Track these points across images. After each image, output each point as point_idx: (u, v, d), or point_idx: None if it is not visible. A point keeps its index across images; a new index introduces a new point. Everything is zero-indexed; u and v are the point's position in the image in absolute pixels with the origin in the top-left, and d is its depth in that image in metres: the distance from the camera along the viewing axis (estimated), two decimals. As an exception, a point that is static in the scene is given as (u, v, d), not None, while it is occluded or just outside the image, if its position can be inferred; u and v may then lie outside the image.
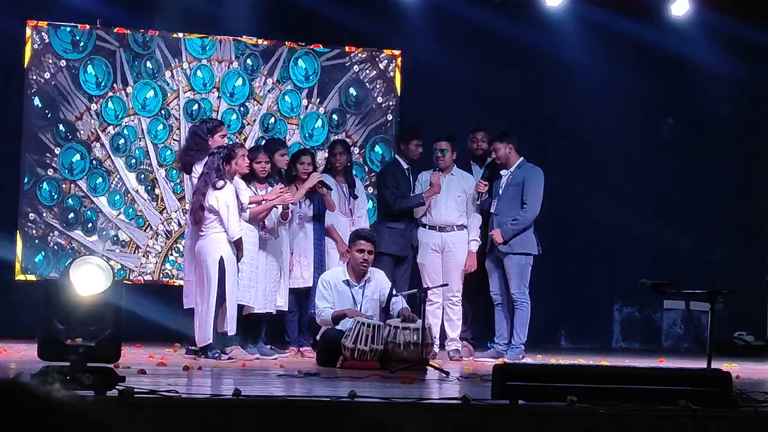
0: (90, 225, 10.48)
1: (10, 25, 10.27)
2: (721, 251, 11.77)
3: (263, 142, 9.90)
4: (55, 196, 10.42)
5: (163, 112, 10.65)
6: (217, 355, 8.12)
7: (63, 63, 10.43)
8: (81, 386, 4.41)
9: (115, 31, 10.55)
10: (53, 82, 10.41)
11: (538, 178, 9.18)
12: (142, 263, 10.59)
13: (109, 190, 10.52)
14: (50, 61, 10.42)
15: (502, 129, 9.37)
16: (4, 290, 10.31)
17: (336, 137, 10.61)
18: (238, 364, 7.83)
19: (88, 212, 10.48)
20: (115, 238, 10.54)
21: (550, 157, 10.63)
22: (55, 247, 10.40)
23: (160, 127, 10.65)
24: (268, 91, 10.86)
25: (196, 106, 10.70)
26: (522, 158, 9.22)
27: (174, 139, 10.64)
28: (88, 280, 4.50)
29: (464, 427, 4.57)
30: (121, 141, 10.55)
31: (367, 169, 11.01)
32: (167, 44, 10.67)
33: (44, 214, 10.39)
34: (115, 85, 10.53)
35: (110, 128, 10.52)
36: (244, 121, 10.81)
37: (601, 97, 11.64)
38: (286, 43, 10.93)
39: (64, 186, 10.42)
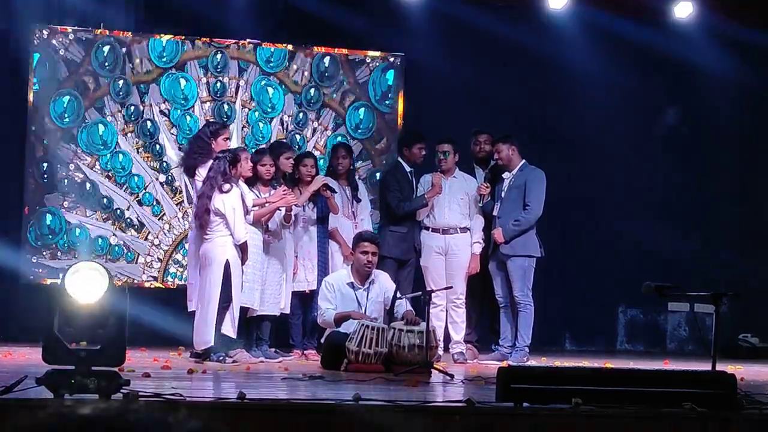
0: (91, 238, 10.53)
1: (16, 31, 10.29)
2: (725, 252, 11.75)
3: (268, 145, 9.91)
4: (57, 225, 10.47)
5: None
6: (221, 358, 8.12)
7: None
8: (85, 390, 4.42)
9: (117, 34, 10.58)
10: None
11: (540, 180, 9.17)
12: (145, 269, 10.59)
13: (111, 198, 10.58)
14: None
15: (505, 133, 9.37)
16: (9, 294, 10.31)
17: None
18: (243, 367, 7.82)
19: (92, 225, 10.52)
20: (117, 248, 10.55)
21: (552, 159, 10.61)
22: (61, 250, 10.43)
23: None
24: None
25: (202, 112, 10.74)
26: (524, 161, 9.22)
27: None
28: (87, 286, 4.50)
29: (469, 430, 4.57)
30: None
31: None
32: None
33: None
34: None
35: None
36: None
37: (604, 99, 11.63)
38: (288, 47, 10.97)
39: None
